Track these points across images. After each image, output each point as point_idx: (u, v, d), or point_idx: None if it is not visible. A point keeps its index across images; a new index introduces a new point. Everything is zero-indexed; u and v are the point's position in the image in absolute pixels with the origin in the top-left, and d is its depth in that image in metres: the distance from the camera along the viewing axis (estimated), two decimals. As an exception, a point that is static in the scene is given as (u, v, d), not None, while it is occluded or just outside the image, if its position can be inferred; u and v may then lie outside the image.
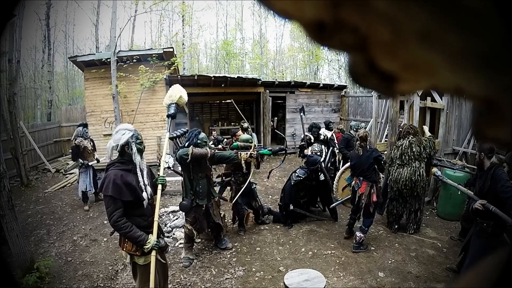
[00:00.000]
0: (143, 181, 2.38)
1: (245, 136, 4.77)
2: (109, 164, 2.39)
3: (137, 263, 2.46)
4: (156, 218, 2.46)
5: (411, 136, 4.30)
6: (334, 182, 4.85)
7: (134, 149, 2.35)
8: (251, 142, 4.36)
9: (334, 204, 4.83)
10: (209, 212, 3.77)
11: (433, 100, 5.97)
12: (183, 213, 3.99)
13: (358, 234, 4.01)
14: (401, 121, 6.49)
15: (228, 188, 4.63)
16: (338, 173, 4.91)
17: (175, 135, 3.78)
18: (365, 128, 6.02)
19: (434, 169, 4.56)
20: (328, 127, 6.24)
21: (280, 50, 25.10)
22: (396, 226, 4.52)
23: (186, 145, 3.58)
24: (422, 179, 4.23)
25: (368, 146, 4.06)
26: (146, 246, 2.33)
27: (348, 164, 4.62)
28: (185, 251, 3.87)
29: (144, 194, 2.38)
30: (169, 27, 21.54)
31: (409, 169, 4.22)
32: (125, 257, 2.57)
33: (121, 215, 2.27)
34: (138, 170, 2.37)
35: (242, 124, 6.33)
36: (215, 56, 24.70)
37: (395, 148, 4.46)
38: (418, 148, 4.22)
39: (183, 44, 16.76)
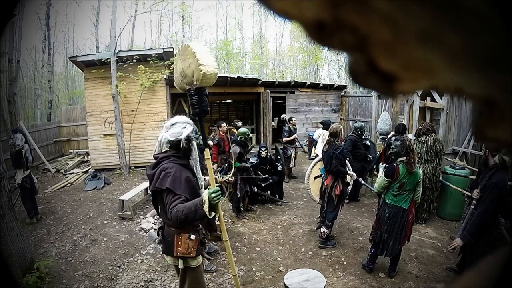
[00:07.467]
0: (200, 179, 2.24)
1: (242, 129, 5.31)
2: (163, 157, 2.08)
3: (190, 266, 2.20)
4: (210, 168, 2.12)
5: (434, 134, 4.54)
6: (308, 169, 4.74)
7: (195, 144, 2.19)
8: (248, 135, 5.14)
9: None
10: None
11: (433, 100, 5.96)
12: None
13: (322, 229, 4.07)
14: (401, 121, 6.49)
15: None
16: (315, 161, 4.77)
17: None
18: (364, 127, 5.96)
19: None
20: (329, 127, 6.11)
21: (280, 50, 25.09)
22: None
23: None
24: (439, 174, 4.59)
25: (335, 143, 3.85)
26: (210, 202, 1.87)
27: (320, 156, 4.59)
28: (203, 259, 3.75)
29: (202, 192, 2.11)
30: (169, 27, 21.56)
31: (432, 165, 4.48)
32: (174, 263, 2.25)
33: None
34: (196, 167, 2.20)
35: (236, 122, 6.55)
36: (214, 56, 24.65)
37: (417, 143, 4.62)
38: (439, 146, 4.51)
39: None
